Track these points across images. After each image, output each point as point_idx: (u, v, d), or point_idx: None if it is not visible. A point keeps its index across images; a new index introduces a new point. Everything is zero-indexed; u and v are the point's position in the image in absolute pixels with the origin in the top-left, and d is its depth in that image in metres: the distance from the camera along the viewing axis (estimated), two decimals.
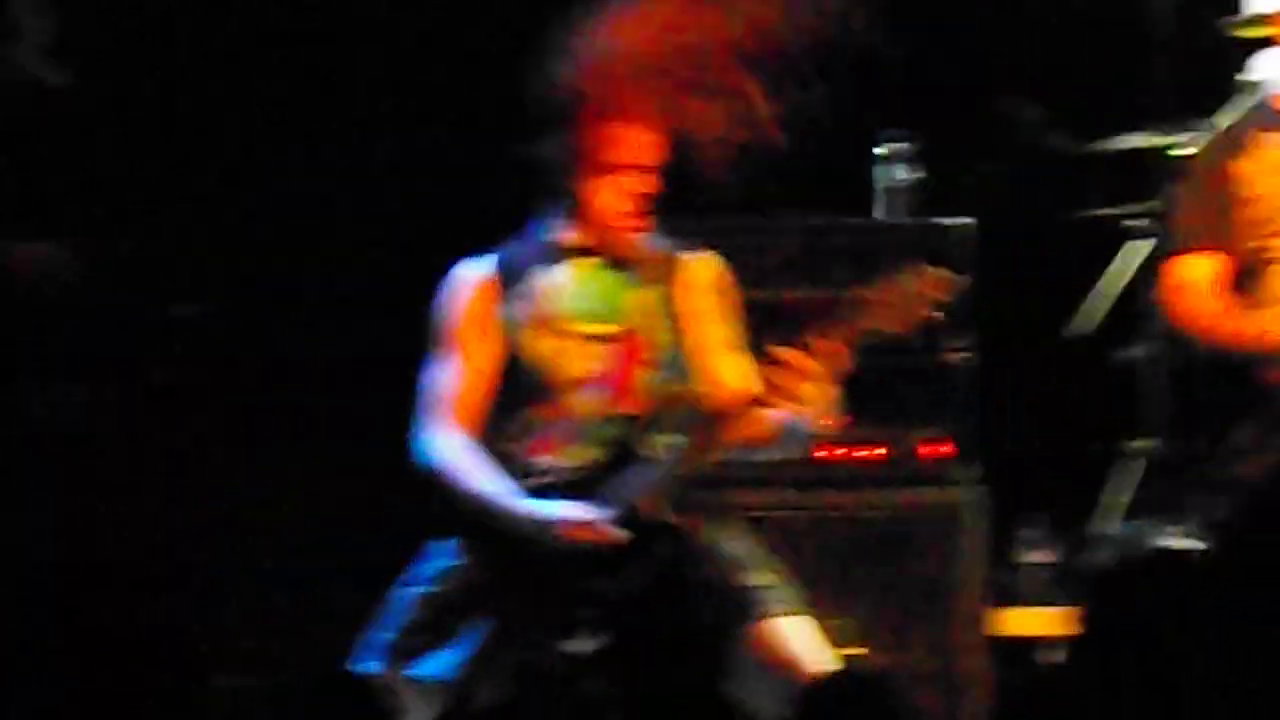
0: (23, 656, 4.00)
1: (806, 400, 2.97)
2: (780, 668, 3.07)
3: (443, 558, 3.19)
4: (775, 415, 3.04)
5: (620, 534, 3.02)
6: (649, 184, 3.24)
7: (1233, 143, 3.86)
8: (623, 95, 3.22)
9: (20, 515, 4.49)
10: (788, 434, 3.08)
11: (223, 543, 4.97)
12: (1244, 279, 3.71)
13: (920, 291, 3.05)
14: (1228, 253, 3.65)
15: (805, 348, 2.95)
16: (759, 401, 3.01)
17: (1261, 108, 3.86)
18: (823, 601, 3.67)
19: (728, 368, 3.23)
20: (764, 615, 3.06)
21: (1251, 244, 3.71)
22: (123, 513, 4.76)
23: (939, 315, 3.07)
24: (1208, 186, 3.85)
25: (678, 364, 3.26)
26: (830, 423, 3.12)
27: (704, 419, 3.08)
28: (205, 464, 4.96)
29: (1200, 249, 3.68)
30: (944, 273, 3.10)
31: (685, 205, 3.38)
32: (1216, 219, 3.74)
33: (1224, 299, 3.67)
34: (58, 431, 4.60)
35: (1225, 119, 3.99)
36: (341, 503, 4.72)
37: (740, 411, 3.05)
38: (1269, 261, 3.70)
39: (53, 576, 4.44)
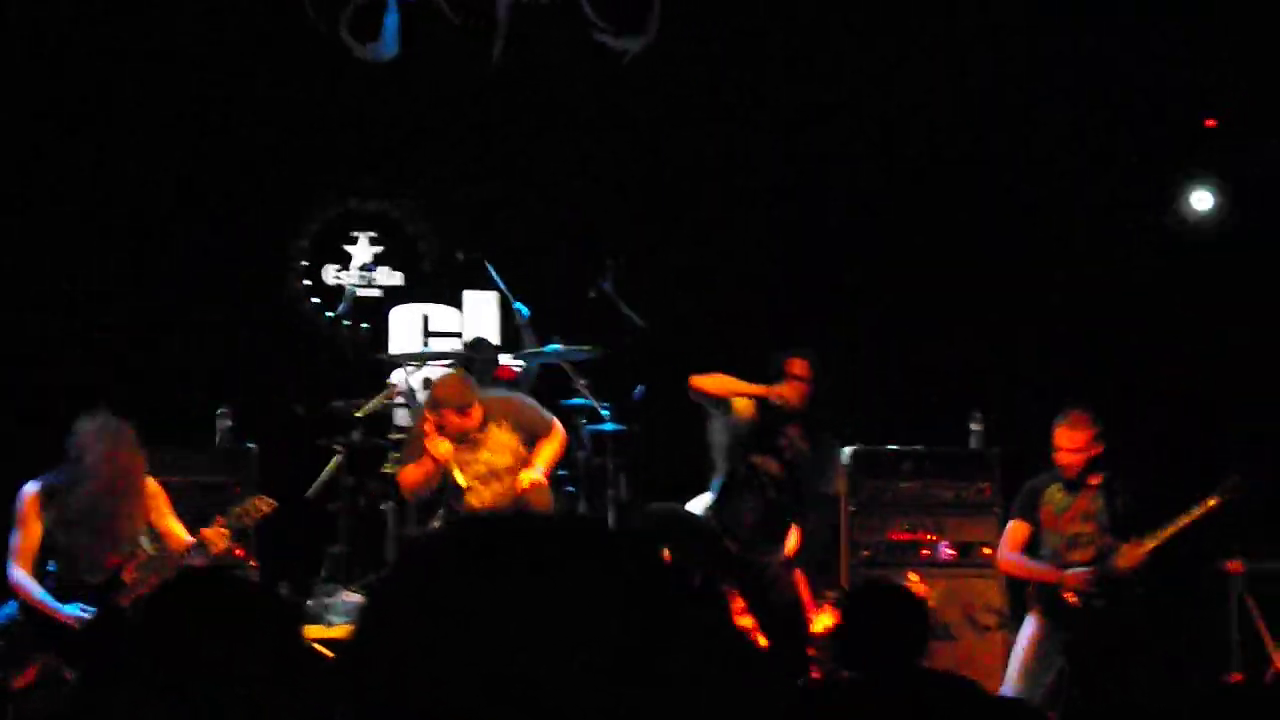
0: None
1: (213, 541, 6.70)
2: None
3: (10, 609, 6.62)
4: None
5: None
6: None
7: (418, 433, 7.17)
8: None
9: None
10: (196, 551, 6.69)
11: None
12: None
13: (258, 504, 6.83)
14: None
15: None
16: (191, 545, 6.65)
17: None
18: None
19: (175, 530, 6.74)
20: None
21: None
22: None
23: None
24: (416, 451, 7.23)
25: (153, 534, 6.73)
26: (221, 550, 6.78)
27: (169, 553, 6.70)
28: None
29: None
30: (269, 499, 6.88)
31: None
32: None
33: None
34: None
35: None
36: None
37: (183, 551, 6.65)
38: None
39: None
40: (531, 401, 7.60)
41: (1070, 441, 7.20)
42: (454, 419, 7.03)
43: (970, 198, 9.69)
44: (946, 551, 8.40)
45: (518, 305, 8.37)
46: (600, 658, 1.36)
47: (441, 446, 7.05)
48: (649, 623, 1.39)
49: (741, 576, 7.00)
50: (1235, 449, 7.64)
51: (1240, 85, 9.32)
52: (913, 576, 7.68)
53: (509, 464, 7.19)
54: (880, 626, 4.13)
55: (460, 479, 7.10)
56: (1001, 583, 8.20)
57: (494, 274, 8.26)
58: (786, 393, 7.16)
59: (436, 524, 7.30)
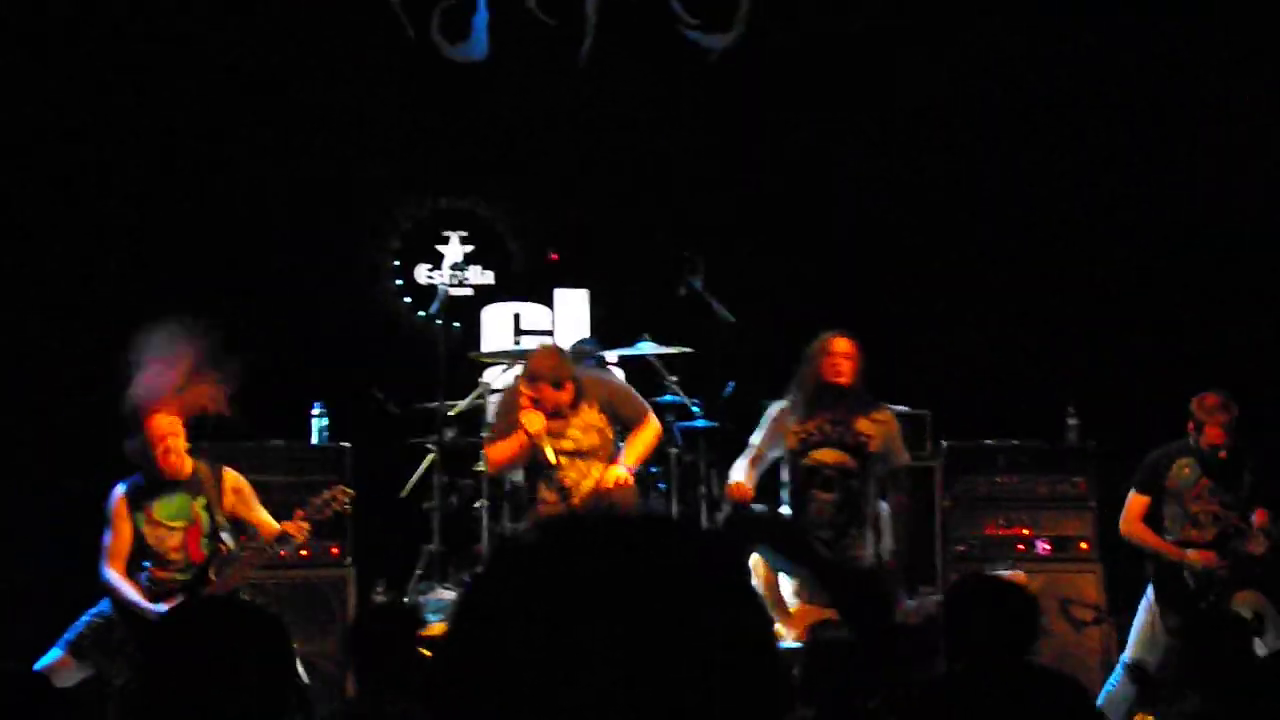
0: None
1: (294, 534, 6.78)
2: None
3: (104, 606, 6.76)
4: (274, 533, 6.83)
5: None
6: (180, 442, 6.70)
7: (509, 408, 7.23)
8: (159, 404, 6.76)
9: None
10: (281, 542, 6.87)
11: None
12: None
13: (337, 496, 6.92)
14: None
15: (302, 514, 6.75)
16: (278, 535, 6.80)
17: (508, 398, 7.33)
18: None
19: (265, 520, 6.88)
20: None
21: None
22: None
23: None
24: (507, 425, 7.20)
25: (238, 527, 6.76)
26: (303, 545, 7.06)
27: (256, 545, 6.83)
28: None
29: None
30: (346, 489, 7.02)
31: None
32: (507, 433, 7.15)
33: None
34: None
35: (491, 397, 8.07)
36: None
37: (272, 539, 6.79)
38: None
39: None
40: (626, 386, 7.53)
41: (1227, 415, 7.12)
42: (549, 392, 6.96)
43: (1069, 190, 9.61)
44: (1042, 546, 8.33)
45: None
46: (682, 675, 1.35)
47: (535, 422, 6.96)
48: (733, 637, 1.39)
49: (831, 575, 6.95)
50: None
51: None
52: (1017, 574, 7.60)
53: (596, 444, 7.11)
54: (987, 620, 4.09)
55: (550, 455, 7.02)
56: (1099, 577, 8.17)
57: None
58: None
59: (530, 520, 7.24)
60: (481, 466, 8.31)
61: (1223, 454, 7.15)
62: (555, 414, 7.06)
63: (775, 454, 7.27)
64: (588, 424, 7.11)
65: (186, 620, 3.15)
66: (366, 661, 4.52)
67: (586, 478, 7.09)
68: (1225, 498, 7.19)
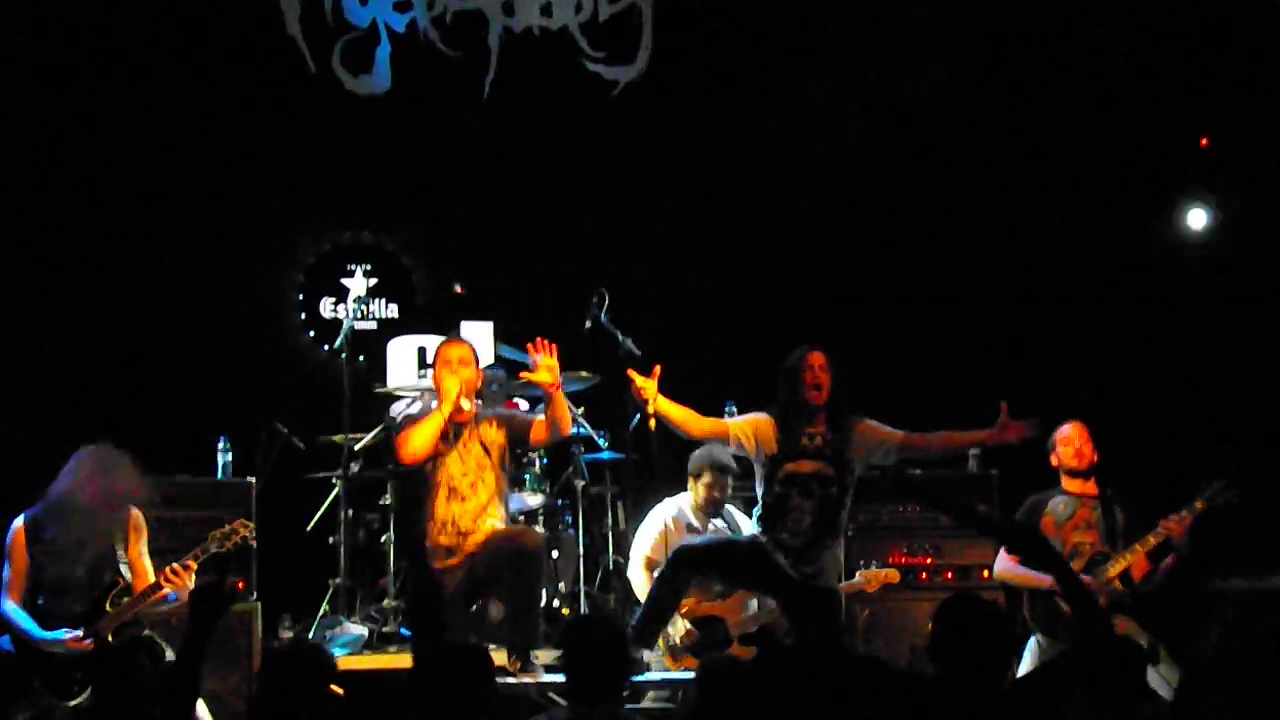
0: None
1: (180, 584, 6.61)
2: None
3: (4, 643, 6.66)
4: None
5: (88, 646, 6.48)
6: None
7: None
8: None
9: None
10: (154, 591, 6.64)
11: None
12: None
13: (237, 528, 6.79)
14: None
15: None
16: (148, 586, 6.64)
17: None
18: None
19: (145, 568, 6.71)
20: None
21: None
22: None
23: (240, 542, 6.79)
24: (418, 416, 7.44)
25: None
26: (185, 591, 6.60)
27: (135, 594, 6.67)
28: None
29: None
30: (246, 521, 6.85)
31: None
32: None
33: None
34: None
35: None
36: None
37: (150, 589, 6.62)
38: None
39: None
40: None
41: (1081, 435, 7.44)
42: (466, 370, 7.02)
43: (959, 219, 9.80)
44: (945, 575, 8.47)
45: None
46: None
47: (454, 384, 6.95)
48: None
49: (789, 593, 6.97)
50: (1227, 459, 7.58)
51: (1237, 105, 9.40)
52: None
53: (495, 459, 7.09)
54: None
55: (466, 405, 6.98)
56: (1000, 604, 8.24)
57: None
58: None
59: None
60: (387, 500, 8.33)
61: (1088, 478, 7.39)
62: (459, 424, 7.08)
63: (738, 451, 7.26)
64: (489, 439, 7.09)
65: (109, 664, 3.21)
66: (276, 704, 4.45)
67: (478, 525, 7.04)
68: (1100, 530, 7.32)
